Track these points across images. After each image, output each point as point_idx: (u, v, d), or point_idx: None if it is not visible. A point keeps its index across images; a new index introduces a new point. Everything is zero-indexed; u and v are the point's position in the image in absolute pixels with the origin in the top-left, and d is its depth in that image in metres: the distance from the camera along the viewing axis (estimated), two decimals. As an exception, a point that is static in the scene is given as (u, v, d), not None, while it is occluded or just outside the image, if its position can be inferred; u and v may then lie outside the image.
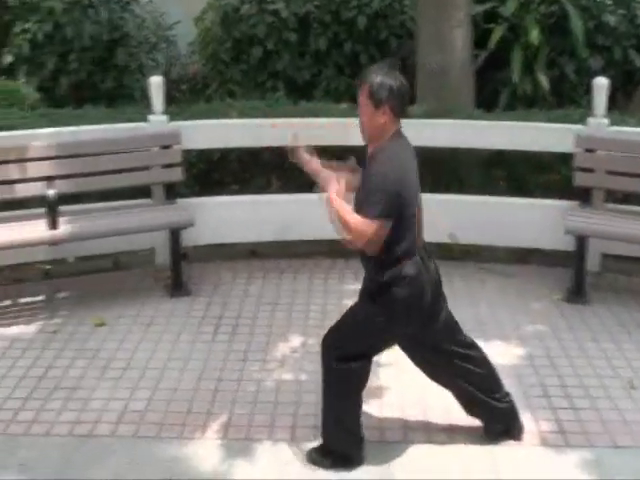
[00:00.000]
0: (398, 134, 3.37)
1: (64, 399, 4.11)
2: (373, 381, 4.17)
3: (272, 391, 4.17)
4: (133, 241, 5.47)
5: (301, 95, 6.98)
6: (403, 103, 3.33)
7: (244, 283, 5.49)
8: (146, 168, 5.42)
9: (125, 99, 7.18)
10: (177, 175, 5.44)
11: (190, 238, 5.51)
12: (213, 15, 7.66)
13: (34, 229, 4.96)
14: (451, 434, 3.79)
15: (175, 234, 5.29)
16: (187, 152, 5.72)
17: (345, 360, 3.46)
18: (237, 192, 5.99)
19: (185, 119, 5.68)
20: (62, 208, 5.12)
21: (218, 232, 5.66)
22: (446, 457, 3.65)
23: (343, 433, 3.57)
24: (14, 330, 4.85)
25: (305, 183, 6.00)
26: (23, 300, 5.28)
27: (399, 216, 3.28)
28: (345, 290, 5.33)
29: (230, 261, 5.81)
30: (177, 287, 5.31)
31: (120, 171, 5.34)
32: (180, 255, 5.37)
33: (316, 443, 3.66)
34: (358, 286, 5.28)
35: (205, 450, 3.68)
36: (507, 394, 3.77)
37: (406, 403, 4.05)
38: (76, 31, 7.21)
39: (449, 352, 3.60)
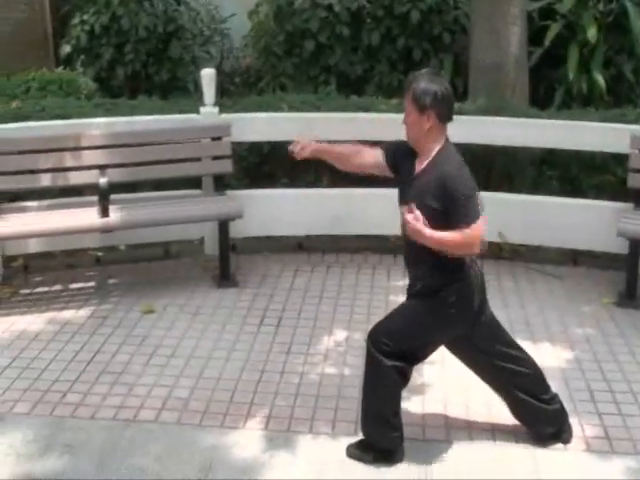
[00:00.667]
0: (448, 143, 3.37)
1: (110, 384, 4.18)
2: (416, 378, 4.17)
3: (314, 384, 4.17)
4: (183, 231, 5.55)
5: (353, 90, 6.97)
6: (449, 109, 3.32)
7: (291, 276, 5.52)
8: (197, 159, 5.48)
9: (179, 91, 7.28)
10: (227, 167, 5.49)
11: (239, 230, 5.56)
12: (267, 9, 7.70)
13: (86, 216, 5.06)
14: (494, 434, 3.75)
15: (224, 225, 5.33)
16: (238, 145, 5.77)
17: (391, 357, 3.44)
18: (287, 186, 6.02)
19: (236, 112, 5.73)
20: (114, 196, 5.22)
21: (266, 224, 5.69)
22: (488, 458, 3.61)
23: (384, 429, 3.56)
24: (65, 314, 4.96)
25: (355, 178, 6.03)
26: (75, 286, 5.39)
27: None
28: (392, 286, 5.32)
29: (278, 254, 5.84)
30: (224, 278, 5.35)
31: (171, 161, 5.41)
32: (228, 246, 5.41)
33: (356, 438, 3.65)
34: (405, 283, 5.32)
35: (246, 440, 3.71)
36: (555, 395, 3.71)
37: (449, 401, 4.02)
38: (132, 23, 7.32)
39: (493, 353, 3.56)
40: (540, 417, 3.66)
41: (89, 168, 5.21)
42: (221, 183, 5.56)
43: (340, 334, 4.71)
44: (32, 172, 5.21)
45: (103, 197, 5.05)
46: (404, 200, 3.37)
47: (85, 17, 7.44)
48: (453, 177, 3.24)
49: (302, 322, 4.86)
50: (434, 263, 3.35)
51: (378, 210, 5.72)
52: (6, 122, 5.40)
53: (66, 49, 7.55)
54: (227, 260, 5.38)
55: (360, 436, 3.64)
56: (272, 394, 4.08)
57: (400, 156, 3.47)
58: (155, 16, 7.44)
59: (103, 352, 4.50)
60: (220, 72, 8.23)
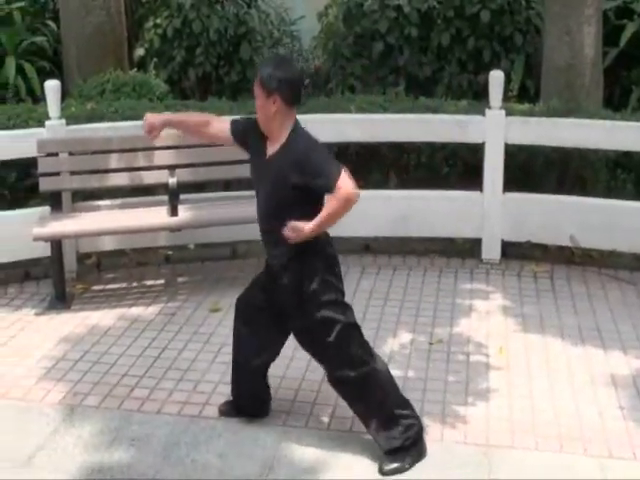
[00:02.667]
0: (297, 125, 3.44)
1: (176, 380, 4.25)
2: (480, 383, 4.12)
3: (377, 386, 4.15)
4: (250, 231, 5.56)
5: (422, 91, 6.91)
6: (294, 92, 3.38)
7: (357, 277, 5.50)
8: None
9: (249, 92, 7.31)
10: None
11: (305, 230, 5.55)
12: (336, 10, 7.71)
13: (156, 215, 5.17)
14: (561, 442, 3.66)
15: (290, 225, 5.34)
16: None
17: (358, 365, 3.47)
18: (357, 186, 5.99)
19: (303, 113, 5.73)
20: (183, 196, 5.32)
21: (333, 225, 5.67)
22: (554, 465, 3.52)
23: (402, 426, 3.50)
24: (135, 311, 5.06)
25: (423, 179, 5.99)
26: (145, 283, 5.50)
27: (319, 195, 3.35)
28: (459, 290, 5.27)
29: (344, 254, 5.75)
30: (290, 278, 5.36)
31: (239, 162, 5.43)
32: (293, 247, 5.42)
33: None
34: (473, 286, 5.30)
35: (308, 439, 3.71)
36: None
37: (515, 406, 3.94)
38: (203, 26, 7.44)
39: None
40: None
41: (159, 168, 5.32)
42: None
43: (405, 336, 4.67)
44: (104, 172, 5.34)
45: (172, 196, 5.14)
46: (261, 183, 3.48)
47: (158, 21, 7.61)
48: (306, 151, 3.35)
49: (367, 323, 4.81)
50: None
51: (445, 212, 5.67)
52: (81, 123, 5.55)
53: (140, 52, 7.73)
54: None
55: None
56: (335, 394, 4.01)
57: (251, 134, 3.52)
58: (226, 19, 7.54)
59: (170, 349, 4.58)
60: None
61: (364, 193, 5.71)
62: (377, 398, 3.50)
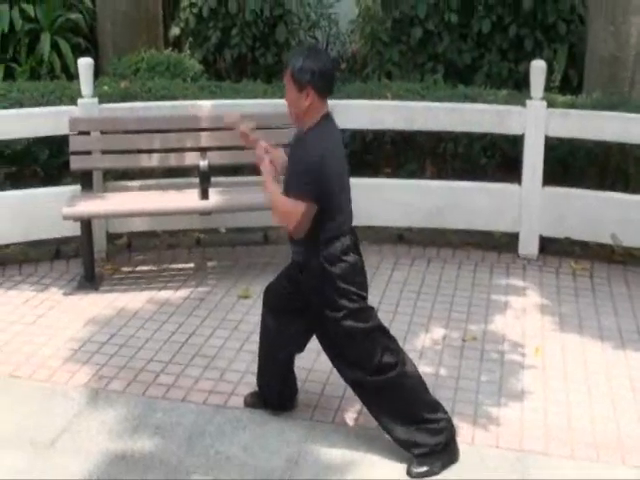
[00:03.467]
0: (326, 117, 3.35)
1: (203, 367, 4.19)
2: (514, 383, 3.99)
3: (408, 382, 4.04)
4: (282, 217, 5.50)
5: (461, 79, 6.75)
6: (327, 84, 3.30)
7: (390, 268, 5.38)
8: (298, 146, 5.42)
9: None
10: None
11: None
12: None
13: (187, 198, 5.10)
14: (598, 451, 3.52)
15: (323, 213, 5.24)
16: (342, 132, 5.65)
17: (384, 371, 3.36)
18: (389, 175, 5.88)
19: (339, 98, 5.61)
20: (215, 179, 5.23)
21: (366, 214, 5.53)
22: (590, 476, 3.37)
23: (432, 431, 3.37)
24: (164, 294, 5.01)
25: (461, 170, 5.85)
26: (175, 266, 5.45)
27: (328, 198, 3.27)
28: (494, 285, 5.12)
29: (377, 245, 5.71)
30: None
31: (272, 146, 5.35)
32: (326, 234, 5.32)
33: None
34: (509, 282, 5.16)
35: (334, 435, 3.63)
36: None
37: (550, 410, 3.80)
38: (239, 6, 7.32)
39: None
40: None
41: (191, 150, 5.24)
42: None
43: (437, 331, 4.55)
44: (136, 152, 5.28)
45: (203, 179, 5.07)
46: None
47: (194, 0, 7.50)
48: (307, 150, 3.26)
49: (398, 317, 4.73)
50: (310, 243, 3.33)
51: (482, 204, 5.53)
52: (114, 101, 5.50)
53: (175, 31, 7.65)
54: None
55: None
56: (364, 389, 3.98)
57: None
58: (262, 0, 7.42)
59: (198, 335, 4.52)
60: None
61: (399, 182, 5.71)
62: (405, 403, 3.39)
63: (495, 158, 5.92)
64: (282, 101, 5.47)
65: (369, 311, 3.48)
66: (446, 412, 3.47)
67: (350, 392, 3.89)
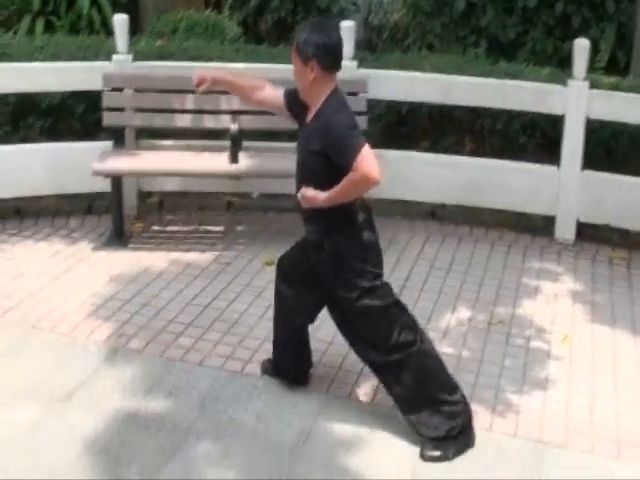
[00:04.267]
0: (335, 92, 3.26)
1: (222, 332, 4.16)
2: (539, 372, 3.90)
3: (428, 362, 3.96)
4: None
5: (504, 54, 6.54)
6: (333, 58, 3.22)
7: (420, 244, 5.28)
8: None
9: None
10: (361, 124, 5.22)
11: (372, 190, 5.35)
12: None
13: (217, 161, 5.04)
14: (619, 447, 3.40)
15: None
16: (377, 102, 5.55)
17: (400, 348, 3.29)
18: (427, 149, 5.75)
19: (376, 68, 5.48)
20: (247, 144, 5.17)
21: (399, 188, 5.46)
22: (610, 473, 3.26)
23: (448, 414, 3.29)
24: (190, 256, 4.98)
25: (499, 148, 5.69)
26: (204, 228, 5.42)
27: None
28: (526, 269, 4.99)
29: (409, 220, 5.60)
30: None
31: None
32: (357, 206, 5.23)
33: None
34: (542, 266, 5.03)
35: (349, 410, 3.57)
36: None
37: (573, 402, 3.69)
38: None
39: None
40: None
41: (223, 113, 5.17)
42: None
43: (463, 312, 4.45)
44: (168, 112, 5.23)
45: (234, 143, 5.00)
46: (298, 152, 3.38)
47: (236, -39, 7.42)
48: (332, 120, 3.17)
49: (425, 294, 4.64)
50: (331, 214, 3.27)
51: (519, 184, 5.38)
52: (150, 59, 5.43)
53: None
54: (355, 219, 5.20)
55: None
56: (382, 366, 3.91)
57: (298, 105, 3.38)
58: None
59: (221, 299, 4.49)
60: (367, 26, 7.99)
61: (433, 157, 5.58)
62: (422, 382, 3.31)
63: (535, 137, 5.74)
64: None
65: (385, 288, 3.39)
66: (464, 395, 3.39)
67: (368, 369, 3.87)
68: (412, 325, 3.38)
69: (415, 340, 3.33)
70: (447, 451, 3.28)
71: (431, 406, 3.30)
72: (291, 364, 3.72)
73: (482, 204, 5.50)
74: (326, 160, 3.17)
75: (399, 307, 3.39)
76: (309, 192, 3.23)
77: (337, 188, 3.16)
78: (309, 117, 3.30)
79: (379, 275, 3.37)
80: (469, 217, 5.59)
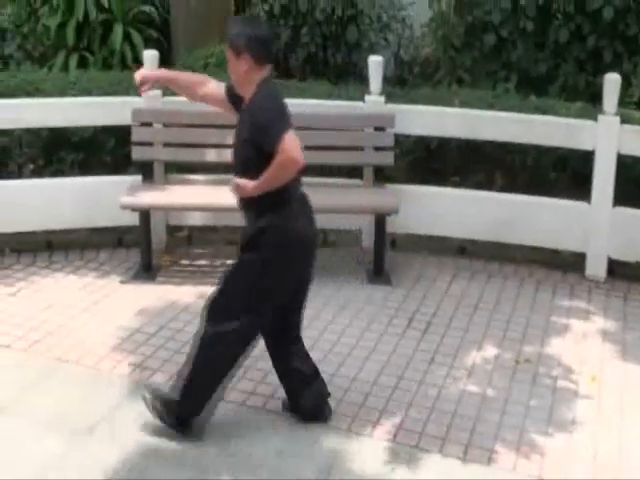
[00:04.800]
0: (267, 80, 3.37)
1: (246, 367, 4.07)
2: (565, 412, 3.81)
3: (453, 401, 3.90)
4: (341, 219, 5.42)
5: (534, 89, 6.49)
6: (265, 51, 3.33)
7: (448, 280, 5.23)
8: (358, 148, 5.33)
9: (354, 76, 7.14)
10: (388, 159, 5.28)
11: (400, 225, 5.35)
12: None
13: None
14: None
15: (380, 219, 5.13)
16: (405, 137, 5.55)
17: (226, 319, 3.41)
18: (457, 184, 5.72)
19: (405, 103, 5.49)
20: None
21: (428, 223, 5.44)
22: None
23: (192, 400, 3.52)
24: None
25: (529, 184, 5.64)
26: (231, 262, 5.38)
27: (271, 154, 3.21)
28: (556, 307, 4.90)
29: (437, 255, 5.56)
30: (378, 273, 5.17)
31: (332, 148, 5.29)
32: (384, 241, 5.21)
33: (490, 467, 3.34)
34: (572, 304, 4.94)
35: (370, 449, 3.52)
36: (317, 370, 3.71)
37: (600, 444, 3.59)
38: (310, 5, 7.25)
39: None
40: (304, 390, 3.63)
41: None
42: (382, 175, 5.36)
43: (490, 350, 4.38)
44: (196, 146, 5.28)
45: (260, 178, 5.01)
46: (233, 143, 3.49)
47: (265, -4, 7.49)
48: (259, 107, 3.30)
49: (451, 331, 4.58)
50: (257, 205, 3.36)
51: (549, 221, 5.31)
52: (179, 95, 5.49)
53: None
54: (382, 255, 5.18)
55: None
56: (406, 404, 3.86)
57: (236, 97, 3.49)
58: None
59: (245, 334, 4.48)
60: (397, 61, 8.02)
61: (462, 193, 5.55)
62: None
63: (565, 173, 5.68)
64: (347, 103, 5.52)
65: (258, 311, 3.45)
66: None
67: (392, 405, 3.85)
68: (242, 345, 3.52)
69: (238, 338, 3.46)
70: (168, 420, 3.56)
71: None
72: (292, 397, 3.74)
73: (512, 240, 5.44)
74: (256, 149, 3.27)
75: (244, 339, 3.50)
76: (240, 181, 3.32)
77: (265, 175, 3.25)
78: (243, 108, 3.43)
79: (269, 296, 3.44)
80: (499, 253, 5.53)
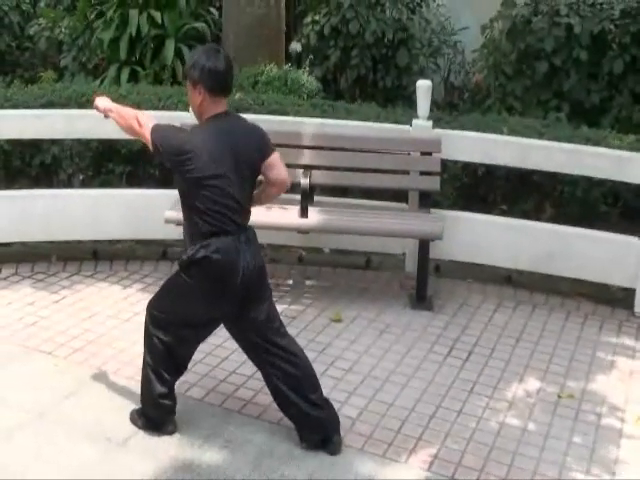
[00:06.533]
0: (215, 117, 3.41)
1: (283, 387, 4.11)
2: (608, 451, 3.70)
3: (491, 433, 3.81)
4: (385, 243, 5.39)
5: (587, 120, 6.38)
6: (217, 82, 3.36)
7: (491, 310, 5.13)
8: (404, 172, 5.29)
9: (403, 100, 7.12)
10: (434, 184, 5.20)
11: (444, 251, 5.28)
12: (502, 25, 7.27)
13: (287, 214, 5.05)
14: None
15: (424, 244, 5.07)
16: (453, 163, 5.50)
17: (157, 327, 3.57)
18: (504, 213, 5.64)
19: (453, 128, 5.44)
20: (318, 198, 5.19)
21: (472, 250, 5.36)
22: None
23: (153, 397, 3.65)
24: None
25: (579, 215, 5.54)
26: (273, 281, 5.37)
27: (193, 183, 3.34)
28: (602, 342, 4.77)
29: (482, 283, 5.46)
30: (420, 299, 5.10)
31: (377, 171, 5.25)
32: (427, 267, 5.14)
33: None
34: (619, 340, 4.81)
35: (405, 477, 3.45)
36: (326, 401, 3.63)
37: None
38: (361, 27, 7.27)
39: (263, 346, 3.57)
40: (306, 420, 3.58)
41: (294, 167, 5.15)
42: (427, 200, 5.30)
43: (532, 383, 4.28)
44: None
45: (304, 197, 5.01)
46: None
47: (317, 17, 7.52)
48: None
49: (493, 362, 4.49)
50: (190, 232, 3.47)
51: (598, 254, 5.18)
52: (228, 111, 5.54)
53: (296, 47, 7.69)
54: (425, 281, 5.11)
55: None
56: (443, 433, 3.79)
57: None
58: (384, 22, 7.33)
59: (284, 353, 4.45)
60: (448, 86, 7.98)
61: (509, 221, 5.46)
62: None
63: (617, 207, 5.56)
64: (394, 126, 5.50)
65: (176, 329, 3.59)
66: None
67: (429, 434, 3.78)
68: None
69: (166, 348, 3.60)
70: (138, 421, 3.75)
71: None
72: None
73: (559, 272, 5.32)
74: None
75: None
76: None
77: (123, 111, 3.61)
78: None
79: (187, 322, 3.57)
80: (545, 284, 5.41)
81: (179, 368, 3.70)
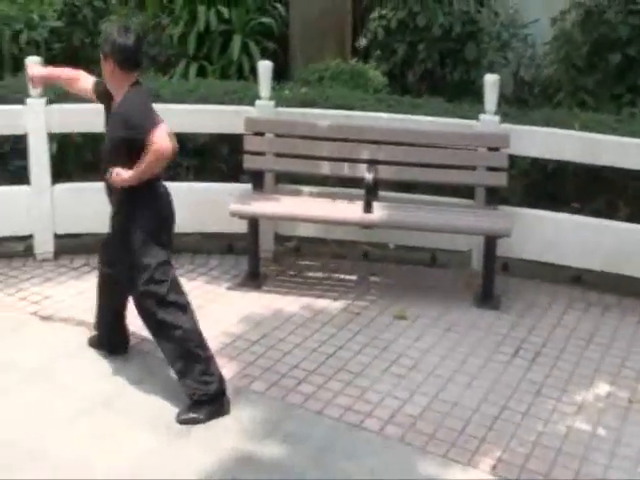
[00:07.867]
0: (136, 84, 3.80)
1: (345, 382, 4.09)
2: None
3: (559, 436, 3.70)
4: (451, 240, 5.29)
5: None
6: (126, 57, 3.71)
7: (560, 311, 4.98)
8: (470, 168, 5.16)
9: (472, 95, 6.97)
10: (501, 180, 5.07)
11: (513, 249, 5.16)
12: (574, 16, 7.03)
13: (351, 209, 5.02)
14: None
15: (490, 241, 4.95)
16: (522, 159, 5.36)
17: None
18: (576, 211, 5.47)
19: (522, 123, 5.30)
20: (383, 194, 5.12)
21: (541, 249, 5.21)
22: None
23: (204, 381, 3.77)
24: (321, 303, 4.96)
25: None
26: (338, 276, 5.38)
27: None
28: (676, 349, 4.60)
29: (551, 283, 5.30)
30: (486, 298, 4.99)
31: (443, 166, 5.15)
32: (494, 265, 5.02)
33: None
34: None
35: (466, 478, 3.38)
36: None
37: None
38: (428, 21, 7.17)
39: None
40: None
41: (360, 162, 5.15)
42: (494, 196, 5.16)
43: (602, 387, 4.14)
44: (307, 158, 5.26)
45: (368, 193, 4.96)
46: (105, 136, 3.93)
47: (383, 12, 7.43)
48: (129, 109, 3.73)
49: (561, 364, 4.36)
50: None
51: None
52: (292, 106, 5.53)
53: (363, 42, 7.64)
54: (491, 279, 5.00)
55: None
56: (508, 436, 3.69)
57: (104, 94, 3.91)
58: (452, 16, 7.21)
59: (346, 349, 4.43)
60: (518, 80, 7.79)
61: (579, 219, 5.29)
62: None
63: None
64: (460, 121, 5.39)
65: (164, 267, 3.89)
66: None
67: (492, 436, 3.70)
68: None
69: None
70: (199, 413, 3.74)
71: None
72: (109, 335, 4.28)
73: (632, 273, 5.12)
74: (127, 145, 3.71)
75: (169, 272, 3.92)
76: (118, 170, 3.74)
77: (140, 164, 3.70)
78: (113, 107, 3.85)
79: (163, 255, 3.86)
80: (618, 285, 5.20)
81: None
